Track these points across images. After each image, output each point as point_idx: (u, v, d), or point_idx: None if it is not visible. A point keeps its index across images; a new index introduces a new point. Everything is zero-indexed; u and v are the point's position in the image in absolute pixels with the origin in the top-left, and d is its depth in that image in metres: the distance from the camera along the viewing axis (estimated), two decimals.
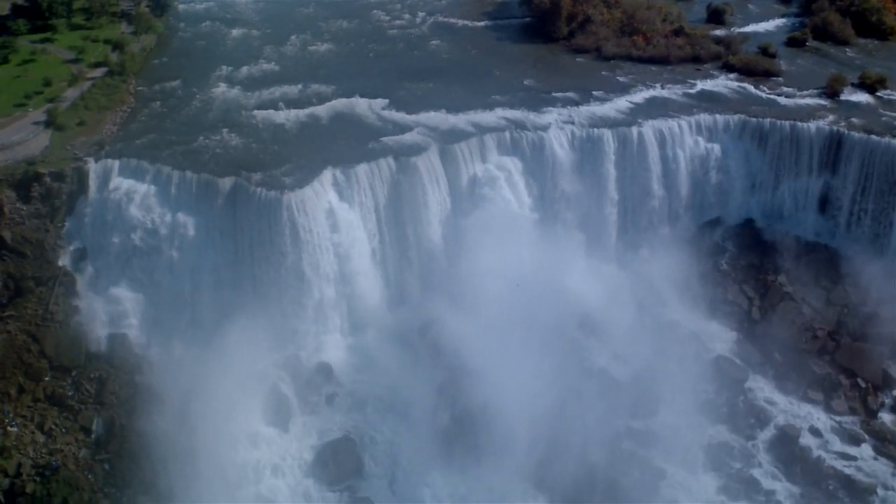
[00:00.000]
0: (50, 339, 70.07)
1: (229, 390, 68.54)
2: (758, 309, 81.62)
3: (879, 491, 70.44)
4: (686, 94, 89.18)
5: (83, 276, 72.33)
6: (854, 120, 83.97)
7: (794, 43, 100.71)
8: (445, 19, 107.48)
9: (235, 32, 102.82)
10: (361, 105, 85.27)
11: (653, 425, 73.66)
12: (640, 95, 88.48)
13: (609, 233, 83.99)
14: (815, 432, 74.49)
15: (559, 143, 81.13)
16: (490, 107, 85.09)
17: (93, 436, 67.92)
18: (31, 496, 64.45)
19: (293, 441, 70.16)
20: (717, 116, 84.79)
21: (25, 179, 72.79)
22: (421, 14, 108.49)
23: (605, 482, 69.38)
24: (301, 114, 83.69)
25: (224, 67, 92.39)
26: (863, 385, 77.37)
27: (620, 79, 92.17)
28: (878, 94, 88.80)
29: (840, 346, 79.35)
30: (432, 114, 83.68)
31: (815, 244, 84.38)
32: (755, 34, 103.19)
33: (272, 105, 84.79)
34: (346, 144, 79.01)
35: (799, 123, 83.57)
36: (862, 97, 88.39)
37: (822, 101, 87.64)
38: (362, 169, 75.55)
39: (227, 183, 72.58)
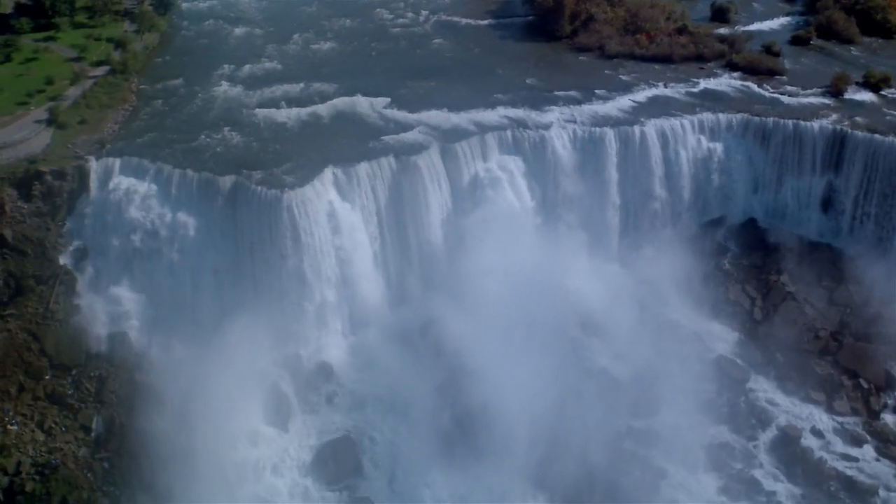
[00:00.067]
0: (50, 337, 70.24)
1: (229, 389, 68.54)
2: (760, 309, 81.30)
3: (881, 492, 70.16)
4: (689, 93, 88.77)
5: (84, 275, 72.49)
6: (858, 119, 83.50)
7: (798, 41, 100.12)
8: (448, 18, 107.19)
9: (238, 31, 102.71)
10: (363, 104, 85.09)
11: (654, 425, 73.48)
12: (643, 94, 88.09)
13: (611, 232, 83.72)
14: (817, 433, 74.22)
15: (561, 142, 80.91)
16: (492, 105, 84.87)
17: (92, 434, 68.15)
18: (31, 494, 64.76)
19: (293, 440, 70.22)
20: (720, 115, 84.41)
21: (27, 178, 72.93)
22: (424, 12, 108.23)
23: (606, 482, 69.29)
24: (302, 112, 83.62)
25: (226, 66, 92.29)
26: (865, 386, 77.03)
27: (623, 77, 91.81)
28: (883, 92, 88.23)
29: (843, 346, 78.96)
30: (434, 112, 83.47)
31: (818, 244, 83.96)
32: (759, 32, 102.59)
33: (274, 104, 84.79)
34: (347, 143, 78.89)
35: (802, 122, 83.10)
36: (866, 96, 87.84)
37: (826, 100, 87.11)
38: (363, 168, 75.42)
39: (227, 181, 72.58)
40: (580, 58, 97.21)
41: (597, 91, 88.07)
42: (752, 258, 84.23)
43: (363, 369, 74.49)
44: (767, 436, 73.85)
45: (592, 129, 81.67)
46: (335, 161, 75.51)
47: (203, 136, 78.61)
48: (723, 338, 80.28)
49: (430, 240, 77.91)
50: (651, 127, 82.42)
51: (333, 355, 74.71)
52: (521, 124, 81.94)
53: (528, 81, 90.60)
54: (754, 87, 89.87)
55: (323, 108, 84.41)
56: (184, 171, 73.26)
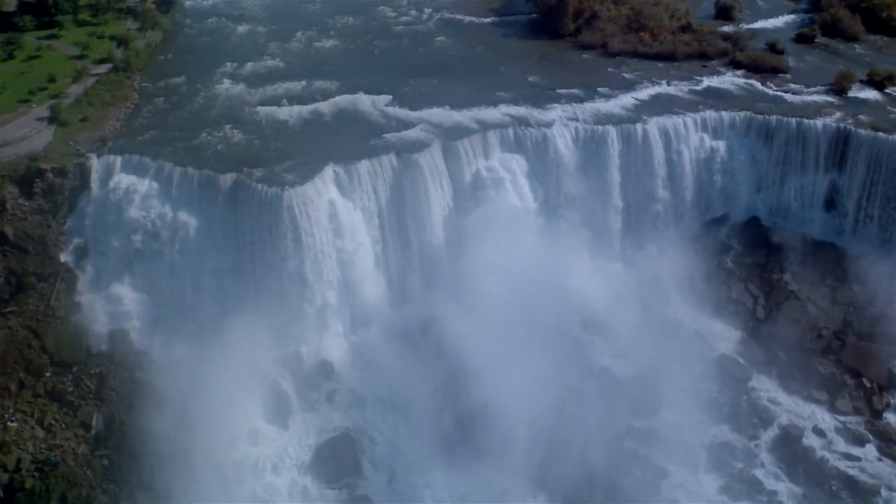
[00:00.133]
0: (51, 334, 70.42)
1: (229, 387, 68.64)
2: (762, 308, 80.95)
3: (883, 492, 69.96)
4: (692, 91, 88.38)
5: (84, 273, 72.73)
6: (862, 117, 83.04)
7: (802, 39, 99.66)
8: (451, 15, 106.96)
9: (241, 29, 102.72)
10: (365, 101, 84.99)
11: (655, 424, 73.37)
12: (646, 92, 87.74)
13: (613, 231, 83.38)
14: (819, 432, 73.95)
15: (563, 140, 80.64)
16: (494, 103, 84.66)
17: (92, 432, 68.32)
18: (30, 491, 64.98)
19: (292, 438, 70.30)
20: (723, 113, 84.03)
21: (28, 175, 73.13)
22: (427, 10, 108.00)
23: (606, 481, 69.29)
24: (304, 110, 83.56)
25: (229, 64, 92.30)
26: (868, 385, 76.71)
27: (626, 75, 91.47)
28: (887, 91, 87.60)
29: (846, 345, 78.60)
30: (436, 110, 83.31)
31: (822, 243, 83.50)
32: (763, 30, 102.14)
33: (276, 101, 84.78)
34: (348, 141, 78.78)
35: (805, 120, 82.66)
36: (870, 94, 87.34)
37: (830, 98, 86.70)
38: (364, 165, 75.27)
39: (228, 179, 72.54)
40: (583, 56, 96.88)
41: (599, 89, 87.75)
42: (755, 257, 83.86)
43: (364, 368, 74.42)
44: (769, 435, 73.62)
45: (595, 127, 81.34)
46: (336, 159, 75.38)
47: (204, 134, 78.63)
48: (725, 337, 79.98)
49: (431, 239, 77.74)
50: (653, 125, 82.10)
51: (334, 354, 74.62)
52: (523, 122, 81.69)
53: (530, 79, 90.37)
54: (758, 84, 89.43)
55: (325, 106, 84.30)
56: (184, 169, 73.25)
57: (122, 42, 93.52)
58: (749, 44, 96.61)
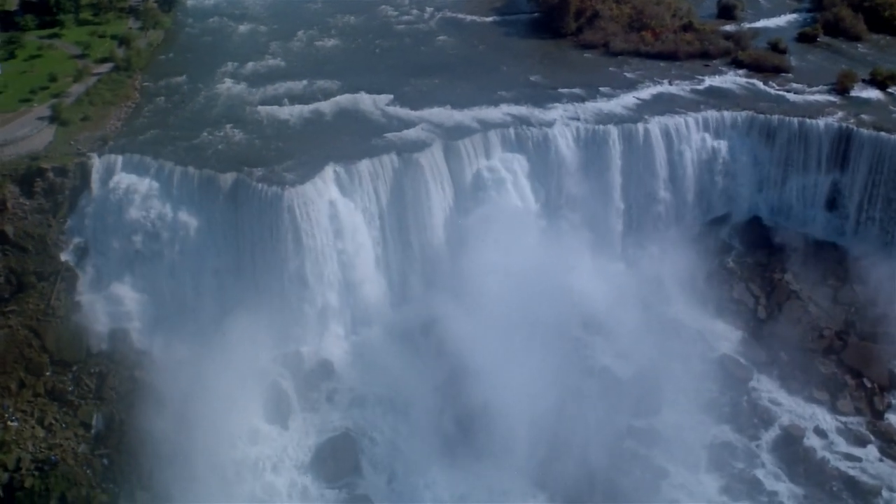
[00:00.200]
0: (51, 334, 70.44)
1: (229, 387, 68.55)
2: (764, 308, 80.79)
3: (884, 493, 69.75)
4: (694, 91, 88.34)
5: (85, 272, 72.67)
6: (864, 117, 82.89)
7: (805, 38, 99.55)
8: (453, 15, 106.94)
9: (243, 28, 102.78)
10: (366, 101, 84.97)
11: (655, 424, 73.27)
12: (648, 91, 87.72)
13: (614, 231, 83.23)
14: (820, 433, 73.80)
15: (564, 140, 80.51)
16: (496, 103, 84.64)
17: (92, 431, 68.34)
18: (30, 491, 64.99)
19: (292, 438, 70.16)
20: (725, 113, 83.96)
21: (28, 174, 73.07)
22: (429, 9, 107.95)
23: (607, 481, 69.15)
24: (305, 109, 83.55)
25: (230, 63, 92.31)
26: (869, 385, 76.53)
27: (628, 75, 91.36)
28: (889, 90, 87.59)
29: (847, 345, 78.39)
30: (437, 110, 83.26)
31: (823, 242, 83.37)
32: (766, 30, 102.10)
33: (276, 101, 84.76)
34: (349, 140, 78.71)
35: (807, 120, 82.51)
36: (872, 94, 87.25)
37: (832, 98, 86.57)
38: (364, 165, 75.16)
39: (228, 179, 72.47)
40: (585, 55, 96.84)
41: (601, 88, 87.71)
42: (757, 256, 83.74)
43: (364, 368, 74.25)
44: (770, 435, 73.47)
45: (596, 126, 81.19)
46: (337, 158, 75.30)
47: (205, 134, 78.63)
48: (726, 337, 79.85)
49: (431, 238, 77.61)
50: (655, 125, 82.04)
51: (334, 353, 74.50)
52: (524, 121, 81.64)
53: (532, 79, 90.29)
54: (760, 84, 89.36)
55: (326, 106, 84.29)
56: (185, 168, 73.18)
57: (123, 41, 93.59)
58: (751, 43, 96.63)
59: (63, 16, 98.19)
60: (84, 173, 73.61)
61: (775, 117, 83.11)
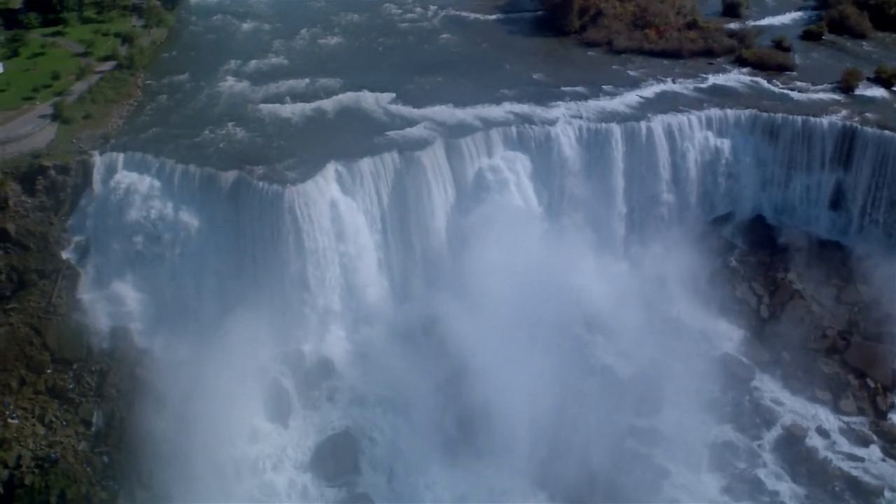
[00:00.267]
0: (52, 331, 70.50)
1: (230, 385, 68.41)
2: (767, 307, 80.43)
3: (887, 493, 69.42)
4: (697, 89, 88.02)
5: (86, 270, 72.68)
6: (868, 115, 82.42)
7: (809, 36, 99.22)
8: (457, 13, 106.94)
9: (246, 26, 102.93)
10: (368, 99, 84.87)
11: (657, 424, 73.06)
12: (651, 90, 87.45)
13: (617, 230, 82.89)
14: (823, 433, 73.49)
15: (566, 138, 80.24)
16: (498, 101, 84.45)
17: (92, 429, 68.35)
18: (30, 488, 65.03)
19: (293, 436, 70.03)
20: (728, 111, 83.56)
21: (30, 172, 73.19)
22: (432, 7, 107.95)
23: (607, 481, 69.02)
24: (307, 108, 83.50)
25: (233, 61, 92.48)
26: (872, 385, 76.17)
27: (631, 73, 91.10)
28: (894, 88, 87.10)
29: (850, 345, 77.99)
30: (439, 108, 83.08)
31: (827, 241, 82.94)
32: (770, 27, 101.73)
33: (279, 99, 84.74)
34: (351, 139, 78.58)
35: (811, 118, 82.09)
36: (877, 92, 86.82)
37: (836, 96, 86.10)
38: (366, 163, 74.99)
39: (229, 177, 72.42)
40: (588, 53, 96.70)
41: (604, 86, 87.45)
42: (760, 255, 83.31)
43: (365, 367, 73.97)
44: (772, 435, 73.20)
45: (599, 125, 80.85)
46: (339, 157, 75.12)
47: (207, 132, 78.63)
48: (729, 336, 79.53)
49: (433, 237, 77.36)
50: (658, 123, 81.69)
51: (335, 351, 74.28)
52: (526, 120, 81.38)
53: (535, 77, 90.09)
54: (763, 82, 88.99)
55: (328, 104, 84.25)
56: (186, 166, 73.16)
57: (126, 39, 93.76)
58: (755, 41, 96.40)
59: (66, 14, 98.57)
60: (86, 171, 73.67)
61: (779, 116, 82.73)
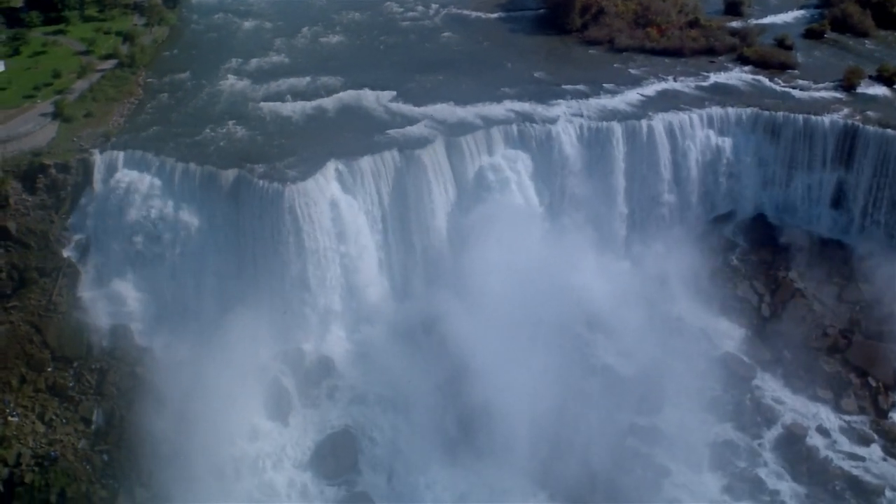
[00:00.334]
0: (52, 329, 70.54)
1: (230, 383, 68.41)
2: (768, 306, 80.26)
3: (888, 493, 69.10)
4: (699, 87, 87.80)
5: (86, 268, 72.71)
6: (870, 113, 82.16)
7: (812, 35, 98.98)
8: (458, 11, 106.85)
9: (248, 24, 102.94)
10: (369, 97, 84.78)
11: (657, 423, 72.87)
12: (652, 88, 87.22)
13: (619, 229, 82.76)
14: (823, 432, 73.24)
15: (567, 136, 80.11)
16: (499, 99, 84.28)
17: (92, 427, 68.36)
18: (30, 486, 65.07)
19: (292, 435, 69.96)
20: (730, 109, 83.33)
21: (31, 171, 73.30)
22: (434, 6, 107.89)
23: (608, 480, 68.76)
24: (308, 106, 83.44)
25: (234, 60, 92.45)
26: (874, 384, 75.93)
27: (633, 71, 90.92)
28: None
29: (852, 344, 77.78)
30: (441, 106, 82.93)
31: (829, 240, 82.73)
32: (772, 26, 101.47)
33: (279, 97, 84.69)
34: (352, 137, 78.50)
35: (813, 117, 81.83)
36: (879, 90, 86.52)
37: (838, 95, 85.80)
38: (366, 162, 74.93)
39: (230, 175, 72.41)
40: (590, 51, 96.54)
41: (605, 85, 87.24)
42: (761, 254, 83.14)
43: (365, 364, 73.95)
44: (773, 434, 72.97)
45: (600, 123, 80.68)
46: (339, 155, 75.10)
47: (208, 130, 78.65)
48: (730, 335, 79.33)
49: (433, 236, 77.26)
50: (659, 122, 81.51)
51: (335, 349, 74.25)
52: (527, 118, 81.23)
53: (536, 75, 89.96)
54: (765, 81, 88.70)
55: (329, 102, 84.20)
56: (186, 164, 73.18)
57: (127, 38, 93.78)
58: (757, 39, 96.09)
59: (68, 12, 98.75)
60: (86, 169, 73.74)
61: (780, 114, 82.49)
